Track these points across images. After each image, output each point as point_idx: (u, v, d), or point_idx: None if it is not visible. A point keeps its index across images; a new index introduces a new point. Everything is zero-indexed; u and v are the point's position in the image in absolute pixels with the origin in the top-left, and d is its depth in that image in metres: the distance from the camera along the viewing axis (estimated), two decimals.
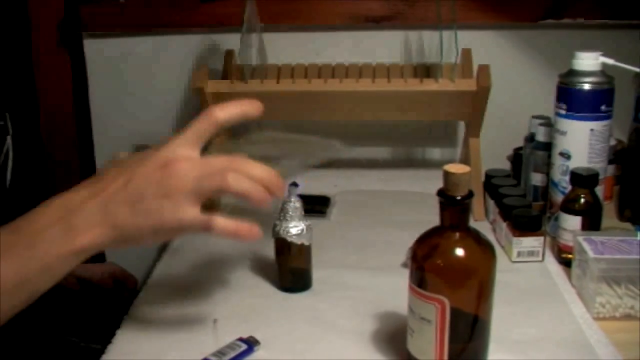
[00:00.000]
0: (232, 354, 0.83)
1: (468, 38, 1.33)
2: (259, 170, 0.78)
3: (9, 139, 1.13)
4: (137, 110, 1.57)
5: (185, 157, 0.77)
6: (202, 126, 0.79)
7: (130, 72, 1.55)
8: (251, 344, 0.85)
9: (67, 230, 0.74)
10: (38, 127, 1.56)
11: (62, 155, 1.58)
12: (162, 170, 0.75)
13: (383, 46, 1.48)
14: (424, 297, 0.75)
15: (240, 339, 0.86)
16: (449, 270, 0.76)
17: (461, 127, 1.47)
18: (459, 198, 0.74)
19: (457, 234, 0.76)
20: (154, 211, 0.75)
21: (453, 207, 0.75)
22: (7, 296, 0.73)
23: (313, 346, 0.87)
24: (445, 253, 0.77)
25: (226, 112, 0.79)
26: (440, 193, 0.75)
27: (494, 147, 1.36)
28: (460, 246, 0.76)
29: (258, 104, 0.82)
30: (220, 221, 0.77)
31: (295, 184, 0.96)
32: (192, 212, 0.76)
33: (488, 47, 1.43)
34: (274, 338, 0.89)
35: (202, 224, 0.77)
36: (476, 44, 1.35)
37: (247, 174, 0.77)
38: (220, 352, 0.84)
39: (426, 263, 0.76)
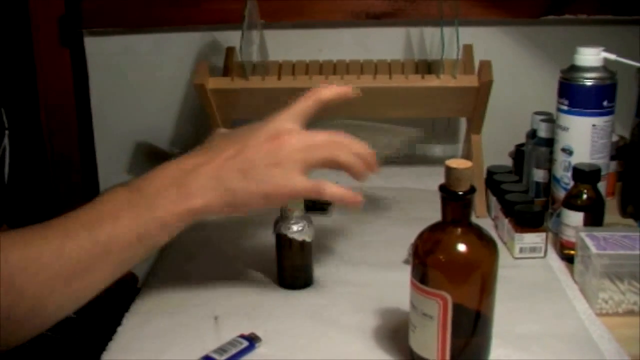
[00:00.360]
0: (234, 351, 0.83)
1: (469, 34, 1.33)
2: (359, 146, 0.86)
3: (5, 136, 1.13)
4: (138, 107, 1.57)
5: (292, 129, 0.84)
6: (308, 103, 0.87)
7: (131, 69, 1.55)
8: (252, 340, 0.85)
9: (183, 193, 0.81)
10: (39, 123, 1.56)
11: (63, 151, 1.57)
12: (272, 141, 0.83)
13: (384, 43, 1.48)
14: (425, 293, 0.75)
15: (242, 336, 0.86)
16: (451, 265, 0.75)
17: (463, 123, 1.46)
18: (461, 193, 0.74)
19: (459, 229, 0.76)
20: (266, 178, 0.82)
21: (455, 202, 0.75)
22: (129, 248, 0.80)
23: (314, 342, 0.87)
24: (447, 248, 0.76)
25: (330, 92, 0.88)
26: (442, 188, 0.75)
27: (496, 144, 1.36)
28: (462, 241, 0.76)
29: (356, 89, 0.91)
30: (329, 187, 0.84)
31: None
32: (301, 180, 0.83)
33: (489, 43, 1.42)
34: (276, 335, 0.88)
35: (313, 189, 0.84)
36: (478, 40, 1.34)
37: (351, 149, 0.85)
38: (221, 349, 0.83)
39: (428, 258, 0.76)
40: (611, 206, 1.21)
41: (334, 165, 0.84)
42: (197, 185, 0.82)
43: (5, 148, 1.12)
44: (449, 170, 0.74)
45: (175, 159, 0.85)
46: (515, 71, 1.46)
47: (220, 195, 0.82)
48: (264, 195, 0.83)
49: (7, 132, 1.13)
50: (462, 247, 0.76)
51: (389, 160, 0.99)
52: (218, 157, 0.83)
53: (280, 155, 0.82)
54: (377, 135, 0.98)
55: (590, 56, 1.10)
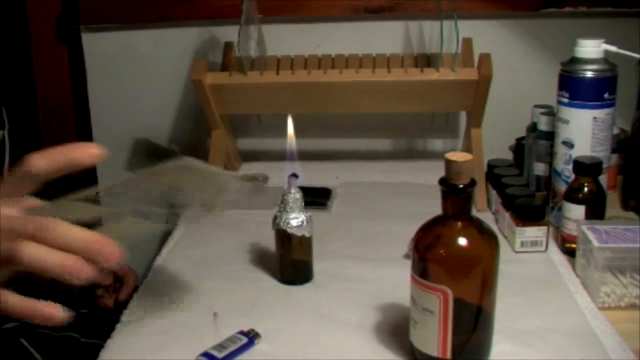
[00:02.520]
0: (233, 347, 0.82)
1: (469, 28, 1.32)
2: (73, 235, 0.63)
3: (5, 133, 1.12)
4: (136, 104, 1.56)
5: None
6: (14, 179, 0.66)
7: (129, 66, 1.54)
8: (252, 337, 0.85)
9: None
10: (37, 121, 1.55)
11: None
12: None
13: (383, 37, 1.47)
14: (426, 288, 0.75)
15: (241, 332, 0.85)
16: (452, 259, 0.75)
17: (463, 117, 1.46)
18: (461, 186, 0.73)
19: (460, 223, 0.75)
20: None
21: (455, 195, 0.74)
22: None
23: (314, 339, 0.87)
24: (447, 242, 0.76)
25: (46, 161, 0.65)
26: (442, 182, 0.74)
27: (496, 137, 1.35)
28: (462, 235, 0.75)
29: (92, 150, 0.67)
30: (14, 302, 0.65)
31: (295, 175, 0.95)
32: None
33: (489, 36, 1.42)
34: (275, 331, 0.88)
35: None
36: (477, 34, 1.34)
37: (55, 241, 0.62)
38: (220, 346, 0.83)
39: (428, 253, 0.75)
40: (612, 200, 1.21)
41: (25, 265, 0.62)
42: None
43: (5, 145, 1.12)
44: (449, 164, 0.73)
45: None
46: (515, 64, 1.46)
47: None
48: None
49: (6, 129, 1.12)
50: (462, 241, 0.75)
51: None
52: None
53: None
54: (214, 180, 0.81)
55: (591, 48, 1.09)
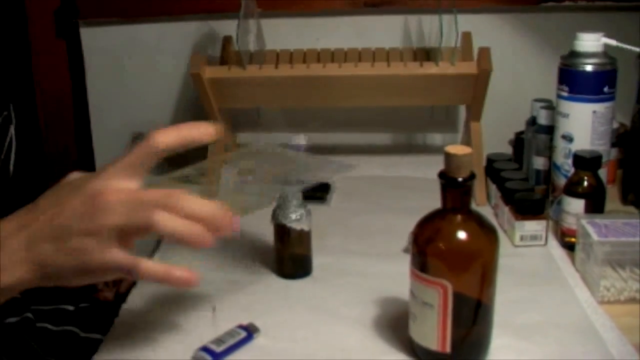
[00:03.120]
0: (232, 342, 0.82)
1: (468, 22, 1.32)
2: (199, 206, 0.70)
3: (12, 129, 1.12)
4: (135, 99, 1.56)
5: (115, 189, 0.69)
6: (139, 154, 0.70)
7: (128, 61, 1.54)
8: (251, 331, 0.84)
9: None
10: (36, 117, 1.55)
11: (60, 144, 1.57)
12: (89, 203, 0.68)
13: (383, 31, 1.47)
14: (425, 281, 0.74)
15: (240, 326, 0.85)
16: (451, 253, 0.75)
17: (462, 111, 1.46)
18: (460, 180, 0.73)
19: (459, 217, 0.75)
20: (77, 250, 0.68)
21: (455, 189, 0.74)
22: None
23: (313, 333, 0.86)
24: (447, 236, 0.75)
25: (168, 138, 0.71)
26: (442, 175, 0.74)
27: (496, 131, 1.35)
28: (462, 229, 0.75)
29: (210, 128, 0.73)
30: (149, 265, 0.70)
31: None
32: (115, 254, 0.68)
33: (488, 30, 1.42)
34: (274, 325, 0.88)
35: (127, 266, 0.69)
36: (476, 28, 1.33)
37: (185, 211, 0.69)
38: (219, 340, 0.82)
39: (428, 247, 0.75)
40: (612, 194, 1.20)
41: (160, 232, 0.69)
42: (6, 258, 0.70)
43: (12, 141, 1.12)
44: (448, 157, 0.73)
45: None
46: (515, 58, 1.45)
47: (33, 268, 0.70)
48: (77, 271, 0.70)
49: (14, 124, 1.12)
50: (462, 235, 0.75)
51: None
52: (35, 221, 0.70)
53: (96, 221, 0.68)
54: (297, 167, 0.87)
55: (591, 42, 1.09)
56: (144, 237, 0.70)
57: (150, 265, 0.70)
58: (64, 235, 0.68)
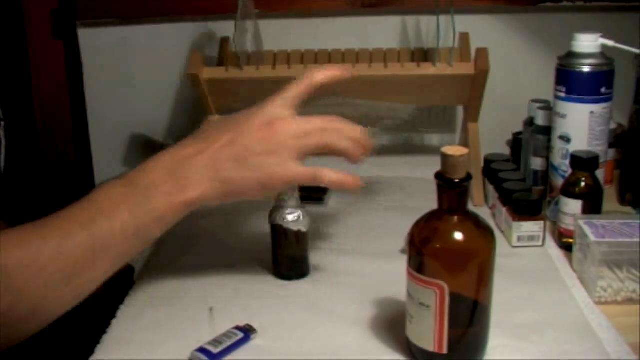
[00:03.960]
0: (229, 343, 0.82)
1: (466, 22, 1.31)
2: (354, 130, 0.86)
3: (1, 130, 1.12)
4: (133, 99, 1.56)
5: (286, 116, 0.84)
6: (301, 87, 0.86)
7: (126, 61, 1.54)
8: (248, 332, 0.84)
9: (178, 184, 0.81)
10: (33, 116, 1.55)
11: (57, 144, 1.56)
12: (265, 128, 0.82)
13: (380, 32, 1.46)
14: (422, 282, 0.74)
15: (237, 327, 0.85)
16: (448, 254, 0.75)
17: (460, 112, 1.46)
18: (457, 180, 0.73)
19: (456, 218, 0.75)
20: (261, 166, 0.82)
21: (451, 190, 0.74)
22: (127, 242, 0.80)
23: (311, 333, 0.86)
24: (443, 237, 0.75)
25: (324, 74, 0.87)
26: (438, 176, 0.74)
27: (493, 132, 1.35)
28: (459, 230, 0.75)
29: (349, 69, 0.93)
30: (326, 173, 0.84)
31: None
32: (297, 166, 0.83)
33: (486, 31, 1.41)
34: (271, 326, 0.87)
35: (310, 176, 0.84)
36: (474, 28, 1.33)
37: (344, 133, 0.84)
38: (216, 341, 0.82)
39: (424, 247, 0.75)
40: (610, 194, 1.21)
41: (329, 151, 0.85)
42: (192, 176, 0.82)
43: (0, 140, 1.11)
44: (445, 158, 0.73)
45: (168, 150, 0.85)
46: (512, 59, 1.45)
47: (216, 185, 0.82)
48: (260, 183, 0.82)
49: (2, 124, 1.12)
50: (458, 236, 0.75)
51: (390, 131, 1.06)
52: (212, 146, 0.83)
53: (275, 142, 0.82)
54: (372, 112, 1.02)
55: (588, 42, 1.09)
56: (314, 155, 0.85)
57: (326, 173, 0.84)
58: (246, 155, 0.82)
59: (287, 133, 0.83)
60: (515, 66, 1.46)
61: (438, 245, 0.75)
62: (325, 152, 0.84)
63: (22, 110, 1.52)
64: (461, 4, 1.33)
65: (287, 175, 0.83)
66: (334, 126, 0.85)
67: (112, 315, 0.92)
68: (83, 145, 1.58)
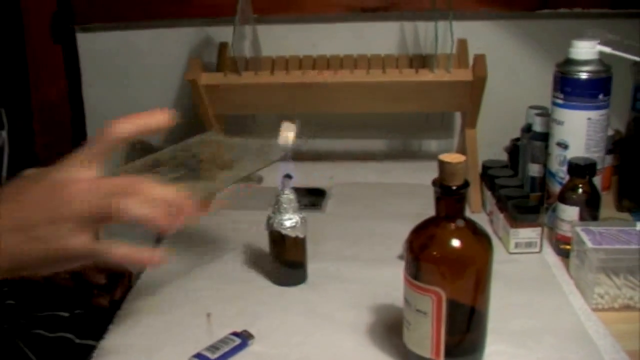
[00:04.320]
0: (226, 349, 0.82)
1: (464, 28, 1.32)
2: (162, 192, 0.72)
3: (4, 134, 1.12)
4: (132, 104, 1.55)
5: (78, 178, 0.70)
6: (100, 143, 0.72)
7: (124, 66, 1.54)
8: (245, 338, 0.84)
9: None
10: (31, 121, 1.55)
11: (55, 149, 1.56)
12: (52, 193, 0.70)
13: (379, 38, 1.47)
14: (419, 289, 0.75)
15: (234, 333, 0.85)
16: (445, 261, 0.75)
17: (457, 118, 1.46)
18: (454, 188, 0.73)
19: (453, 225, 0.75)
20: (43, 238, 0.69)
21: (448, 197, 0.74)
22: None
23: (308, 339, 0.86)
24: (440, 244, 0.76)
25: (127, 126, 0.73)
26: (436, 183, 0.74)
27: (491, 138, 1.35)
28: (456, 237, 0.75)
29: (166, 115, 0.76)
30: (114, 250, 0.71)
31: (289, 176, 0.95)
32: (80, 240, 0.70)
33: (484, 37, 1.42)
34: (269, 332, 0.88)
35: (94, 253, 0.71)
36: (472, 35, 1.34)
37: (147, 197, 0.70)
38: (213, 347, 0.83)
39: (421, 254, 0.75)
40: (607, 200, 1.21)
41: (125, 218, 0.70)
42: None
43: (4, 146, 1.11)
44: (442, 165, 0.73)
45: None
46: (510, 65, 1.46)
47: (1, 261, 0.71)
48: (43, 258, 0.71)
49: (6, 129, 1.12)
50: (456, 243, 0.75)
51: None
52: (2, 213, 0.71)
53: (59, 210, 0.69)
54: (244, 154, 0.88)
55: (586, 49, 1.09)
56: (110, 223, 0.71)
57: (114, 251, 0.71)
58: (28, 225, 0.69)
59: (74, 199, 0.69)
60: (513, 73, 1.46)
61: (435, 252, 0.75)
62: (121, 220, 0.70)
63: (21, 114, 1.52)
64: (459, 9, 1.33)
65: (66, 251, 0.70)
66: (135, 189, 0.70)
67: (110, 321, 0.92)
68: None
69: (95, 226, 0.71)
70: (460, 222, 0.75)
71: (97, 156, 0.72)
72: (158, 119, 0.75)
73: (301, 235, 0.97)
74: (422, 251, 0.75)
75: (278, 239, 0.97)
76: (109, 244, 0.72)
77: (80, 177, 0.71)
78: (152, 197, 0.71)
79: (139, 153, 0.93)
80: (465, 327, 0.77)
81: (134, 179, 0.72)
